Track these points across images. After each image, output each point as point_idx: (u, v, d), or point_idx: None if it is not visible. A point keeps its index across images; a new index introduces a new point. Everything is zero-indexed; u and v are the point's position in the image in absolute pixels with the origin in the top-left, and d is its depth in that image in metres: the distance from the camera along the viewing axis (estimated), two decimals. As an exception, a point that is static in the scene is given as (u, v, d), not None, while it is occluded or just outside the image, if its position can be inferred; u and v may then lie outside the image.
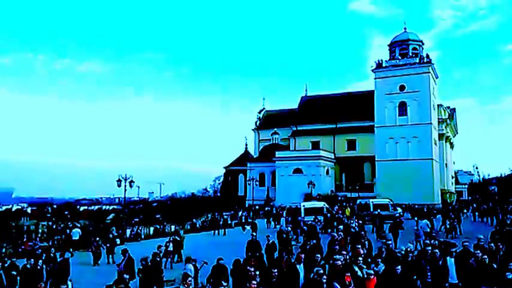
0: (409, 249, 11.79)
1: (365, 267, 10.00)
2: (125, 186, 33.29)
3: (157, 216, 45.11)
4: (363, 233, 19.60)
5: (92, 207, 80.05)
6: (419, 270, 10.88)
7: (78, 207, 76.32)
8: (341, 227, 21.65)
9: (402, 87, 62.71)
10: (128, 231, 32.39)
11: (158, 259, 13.80)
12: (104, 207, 77.30)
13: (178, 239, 21.60)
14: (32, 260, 13.59)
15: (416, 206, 44.54)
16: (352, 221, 25.84)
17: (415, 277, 10.52)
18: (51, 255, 16.12)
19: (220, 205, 55.72)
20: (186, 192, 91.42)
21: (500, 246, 12.89)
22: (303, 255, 10.74)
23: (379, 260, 11.07)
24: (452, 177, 77.34)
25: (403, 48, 65.34)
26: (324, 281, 8.77)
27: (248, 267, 10.12)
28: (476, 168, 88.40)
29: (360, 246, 12.00)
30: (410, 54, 64.40)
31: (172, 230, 31.03)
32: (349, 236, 18.19)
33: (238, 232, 33.08)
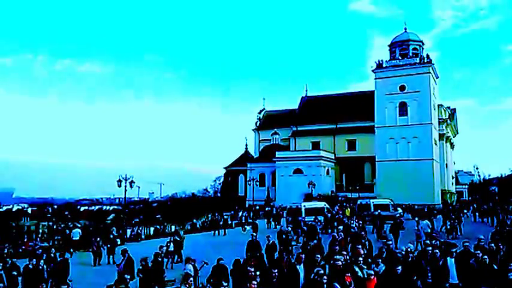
0: (409, 249, 11.77)
1: (365, 267, 9.99)
2: (125, 186, 33.30)
3: (157, 216, 45.16)
4: (363, 233, 19.58)
5: (92, 207, 79.95)
6: (420, 270, 10.87)
7: (78, 207, 76.26)
8: (341, 227, 21.63)
9: (402, 88, 62.71)
10: (128, 232, 32.39)
11: (160, 259, 13.79)
12: (104, 207, 77.24)
13: (178, 239, 21.59)
14: (34, 260, 13.60)
15: (416, 207, 44.52)
16: (352, 221, 25.83)
17: (415, 277, 10.50)
18: (52, 255, 16.12)
19: (220, 205, 55.72)
20: (186, 193, 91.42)
21: (501, 247, 12.87)
22: (303, 256, 10.73)
23: (380, 260, 11.05)
24: (453, 178, 77.29)
25: (403, 48, 65.33)
26: (325, 281, 8.77)
27: (248, 268, 10.11)
28: (477, 168, 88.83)
29: (360, 246, 11.98)
30: (411, 54, 64.39)
31: (173, 230, 31.02)
32: (350, 236, 18.18)
33: (238, 232, 33.08)
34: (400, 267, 9.77)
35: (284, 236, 20.25)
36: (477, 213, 37.24)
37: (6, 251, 24.24)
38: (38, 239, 30.11)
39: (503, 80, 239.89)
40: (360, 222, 26.36)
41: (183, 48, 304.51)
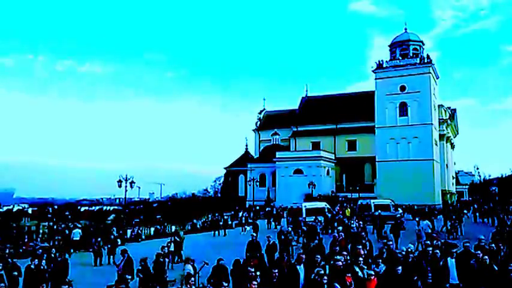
0: (409, 249, 11.78)
1: (366, 267, 9.99)
2: (126, 186, 33.34)
3: (157, 216, 45.11)
4: (363, 233, 19.58)
5: (93, 207, 79.87)
6: (420, 270, 10.87)
7: (78, 207, 76.16)
8: (341, 227, 21.62)
9: (403, 88, 62.73)
10: (129, 232, 32.37)
11: (162, 260, 13.79)
12: (104, 207, 77.19)
13: (178, 239, 21.59)
14: (36, 260, 13.59)
15: (416, 207, 44.51)
16: (352, 222, 25.83)
17: (415, 278, 10.50)
18: (52, 255, 16.12)
19: (220, 206, 55.71)
20: (186, 193, 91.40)
21: (501, 247, 12.88)
22: (303, 256, 10.73)
23: (380, 260, 11.05)
24: (453, 178, 77.32)
25: (403, 48, 65.38)
26: (325, 281, 8.77)
27: (248, 268, 10.12)
28: (477, 168, 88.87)
29: (360, 246, 11.99)
30: (411, 54, 64.42)
31: (173, 230, 31.01)
32: (350, 236, 18.18)
33: (238, 233, 33.14)
34: (400, 268, 9.77)
35: (284, 237, 20.24)
36: (477, 214, 37.24)
37: (7, 251, 24.23)
38: (39, 239, 30.05)
39: (503, 80, 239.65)
40: (360, 222, 26.34)
41: (183, 48, 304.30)
